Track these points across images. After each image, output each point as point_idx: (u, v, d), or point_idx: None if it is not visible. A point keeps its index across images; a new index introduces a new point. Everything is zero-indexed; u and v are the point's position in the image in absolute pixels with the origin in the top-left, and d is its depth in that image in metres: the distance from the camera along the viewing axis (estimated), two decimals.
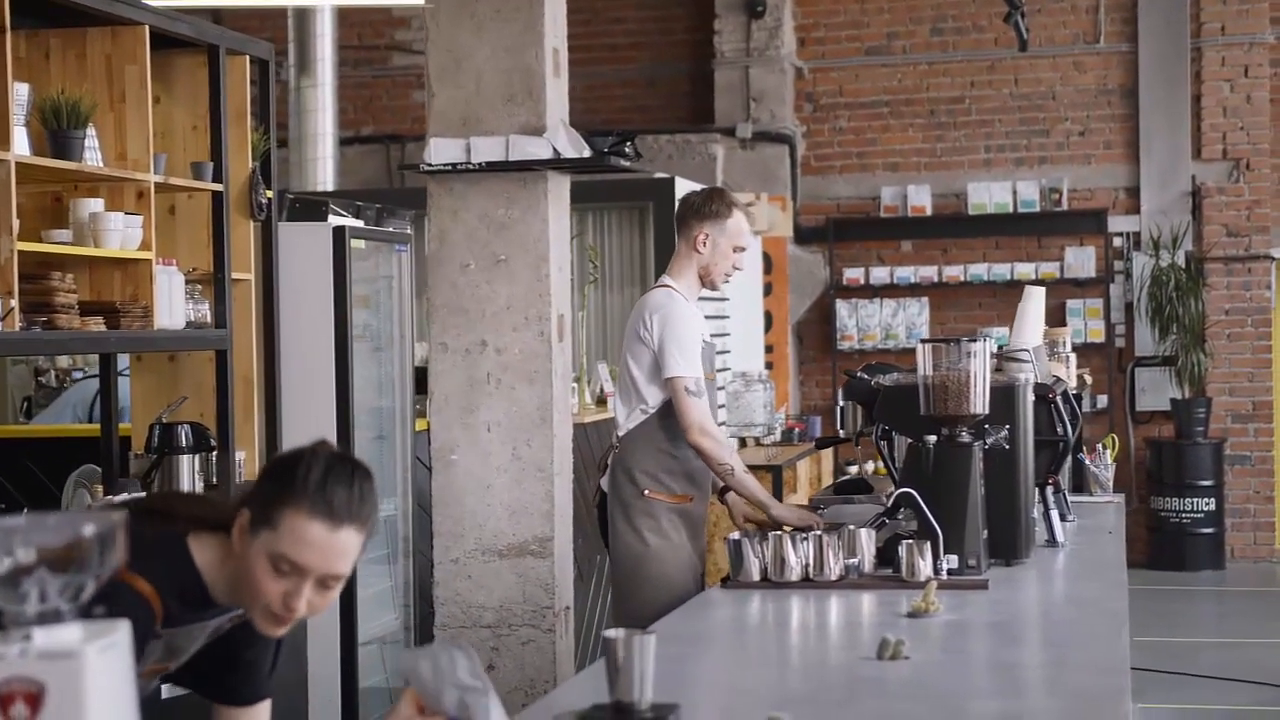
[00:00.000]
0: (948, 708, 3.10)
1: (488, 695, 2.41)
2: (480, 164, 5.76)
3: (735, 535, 4.53)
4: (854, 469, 11.07)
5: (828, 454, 11.58)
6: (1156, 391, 13.01)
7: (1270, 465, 13.10)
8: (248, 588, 2.74)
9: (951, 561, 4.45)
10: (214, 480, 5.83)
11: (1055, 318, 12.68)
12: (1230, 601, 11.95)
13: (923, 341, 4.63)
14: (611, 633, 2.85)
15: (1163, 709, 8.31)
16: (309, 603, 2.72)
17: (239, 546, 2.75)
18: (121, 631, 1.87)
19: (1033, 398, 4.91)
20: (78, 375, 8.59)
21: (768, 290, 12.73)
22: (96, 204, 5.29)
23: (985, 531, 4.54)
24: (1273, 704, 8.47)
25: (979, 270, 13.21)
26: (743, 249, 5.49)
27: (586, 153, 5.78)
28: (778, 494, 9.25)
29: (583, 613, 7.50)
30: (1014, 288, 11.95)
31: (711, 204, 5.49)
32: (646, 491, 5.38)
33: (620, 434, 5.50)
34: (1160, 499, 12.77)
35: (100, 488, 5.68)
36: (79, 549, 1.86)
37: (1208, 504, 12.65)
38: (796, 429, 11.29)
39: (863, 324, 13.37)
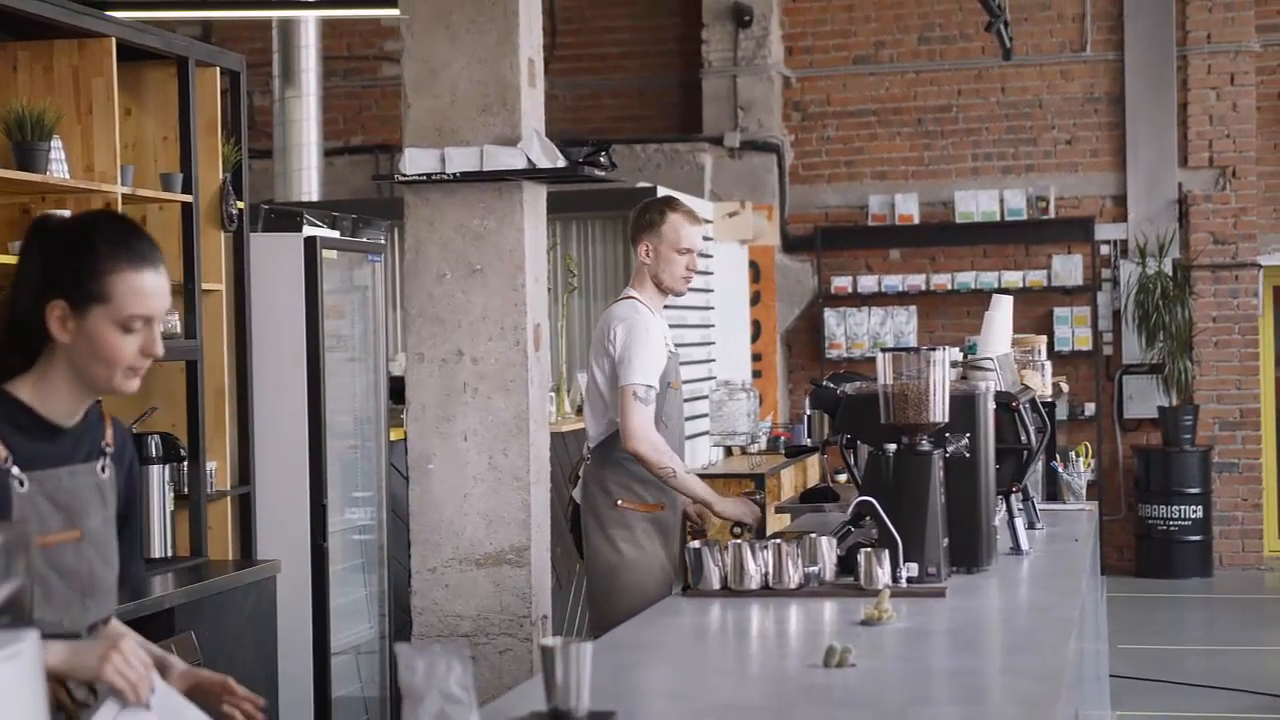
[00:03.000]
0: (886, 715, 3.12)
1: (470, 712, 2.41)
2: (455, 174, 5.77)
3: (695, 544, 4.54)
4: (843, 477, 11.05)
5: (814, 462, 11.58)
6: (1144, 399, 13.02)
7: (1258, 472, 13.11)
8: (98, 363, 2.84)
9: (911, 569, 4.45)
10: (185, 491, 5.85)
11: (1042, 325, 12.72)
12: (1217, 609, 11.94)
13: (883, 350, 4.65)
14: (548, 641, 2.88)
15: (1144, 716, 8.32)
16: (158, 343, 2.89)
17: (69, 336, 2.83)
18: (28, 642, 1.89)
19: (994, 406, 4.92)
20: None
21: (756, 299, 12.75)
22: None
23: (946, 539, 4.54)
24: (1256, 711, 8.48)
25: (966, 279, 13.22)
26: (688, 250, 5.51)
27: (561, 163, 5.78)
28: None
29: (561, 622, 7.51)
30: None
31: (645, 214, 5.55)
32: (620, 502, 5.42)
33: (591, 445, 5.52)
34: (1148, 506, 12.77)
35: None
36: None
37: (1195, 511, 12.66)
38: (783, 438, 11.27)
39: (851, 333, 13.38)
